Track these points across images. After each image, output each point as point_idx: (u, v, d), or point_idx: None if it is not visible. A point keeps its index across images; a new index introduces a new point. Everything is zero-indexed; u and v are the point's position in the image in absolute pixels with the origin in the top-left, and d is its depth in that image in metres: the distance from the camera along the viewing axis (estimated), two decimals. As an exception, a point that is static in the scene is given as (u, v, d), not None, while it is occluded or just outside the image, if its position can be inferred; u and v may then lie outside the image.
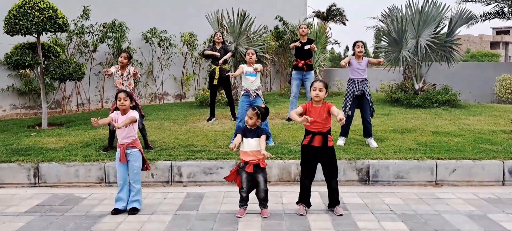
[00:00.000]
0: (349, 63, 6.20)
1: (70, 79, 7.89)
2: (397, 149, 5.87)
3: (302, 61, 7.80)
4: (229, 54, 7.97)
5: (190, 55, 12.87)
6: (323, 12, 19.02)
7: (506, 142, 6.17)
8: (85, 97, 11.05)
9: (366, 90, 6.14)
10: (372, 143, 6.09)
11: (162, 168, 5.38)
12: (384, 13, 10.03)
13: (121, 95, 4.26)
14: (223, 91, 9.09)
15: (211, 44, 8.44)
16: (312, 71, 7.92)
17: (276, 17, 15.34)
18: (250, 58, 6.10)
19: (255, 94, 6.11)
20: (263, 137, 4.06)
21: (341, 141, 6.24)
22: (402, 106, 9.52)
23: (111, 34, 10.79)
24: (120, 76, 6.04)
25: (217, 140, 6.49)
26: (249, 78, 6.10)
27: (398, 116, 8.39)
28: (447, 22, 9.79)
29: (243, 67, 6.15)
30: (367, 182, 5.33)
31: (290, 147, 6.02)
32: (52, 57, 8.02)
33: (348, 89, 6.23)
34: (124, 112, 4.27)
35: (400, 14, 9.56)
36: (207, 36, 12.69)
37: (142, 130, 6.12)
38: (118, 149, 4.24)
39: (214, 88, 8.16)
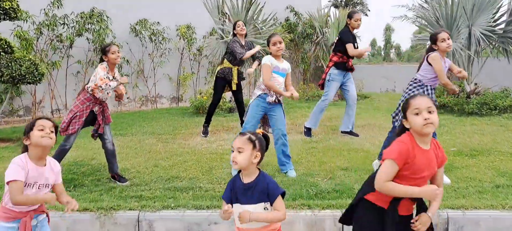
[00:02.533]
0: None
1: (22, 82, 6.02)
2: (478, 186, 3.94)
3: (351, 60, 5.80)
4: (256, 63, 5.84)
5: (187, 51, 10.95)
6: (341, 1, 16.92)
7: None
8: (61, 102, 9.21)
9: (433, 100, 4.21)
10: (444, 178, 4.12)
11: (124, 224, 3.48)
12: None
13: (45, 124, 2.38)
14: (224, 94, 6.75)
15: (233, 38, 6.07)
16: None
17: (287, 7, 13.37)
18: (279, 48, 4.23)
19: (277, 99, 4.28)
20: (278, 201, 2.18)
21: None
22: (452, 113, 7.53)
23: (90, 25, 8.92)
24: (112, 80, 4.20)
25: (213, 168, 4.59)
26: (277, 78, 4.27)
27: (454, 129, 6.40)
28: (506, 6, 7.74)
29: (271, 60, 4.25)
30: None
31: (318, 181, 4.11)
32: (1, 53, 6.16)
33: (410, 94, 4.25)
34: (43, 152, 2.40)
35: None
36: (207, 28, 10.78)
37: (110, 154, 4.26)
38: (12, 224, 2.33)
39: (222, 92, 6.07)
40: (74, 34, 8.87)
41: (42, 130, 2.36)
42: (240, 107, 6.00)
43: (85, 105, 4.14)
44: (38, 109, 8.97)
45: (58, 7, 8.44)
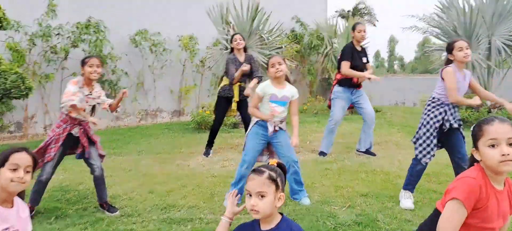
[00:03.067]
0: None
1: (8, 97, 5.54)
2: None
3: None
4: (255, 81, 5.34)
5: (190, 62, 10.47)
6: (348, 11, 16.47)
7: None
8: (55, 117, 8.71)
9: (457, 119, 3.69)
10: None
11: (109, 267, 2.94)
12: (442, 3, 7.49)
13: (21, 162, 1.89)
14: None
15: (229, 55, 5.67)
16: (362, 89, 5.47)
17: (293, 18, 12.94)
18: (277, 70, 3.59)
19: (278, 127, 3.69)
20: None
21: (407, 201, 3.75)
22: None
23: (86, 36, 8.46)
24: (86, 96, 3.68)
25: (215, 194, 4.06)
26: (276, 109, 3.66)
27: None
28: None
29: (266, 89, 3.66)
30: None
31: (336, 211, 3.57)
32: (-14, 66, 5.69)
33: (431, 116, 3.74)
34: (10, 196, 1.90)
35: (468, 4, 7.03)
36: (210, 39, 10.32)
37: (97, 180, 3.74)
38: None
39: (224, 111, 5.63)
40: (70, 45, 8.41)
41: (15, 169, 1.86)
42: (247, 126, 5.52)
43: (61, 128, 3.62)
44: (30, 125, 8.48)
45: (52, 17, 7.99)
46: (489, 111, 7.15)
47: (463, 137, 3.67)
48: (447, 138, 3.70)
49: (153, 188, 4.28)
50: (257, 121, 3.74)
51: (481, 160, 1.67)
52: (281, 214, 1.87)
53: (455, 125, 3.61)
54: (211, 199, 3.93)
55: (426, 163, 3.73)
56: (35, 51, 8.21)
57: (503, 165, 1.58)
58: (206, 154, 5.58)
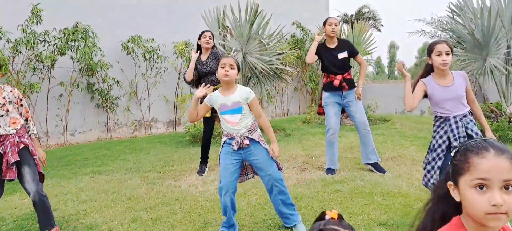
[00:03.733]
0: (425, 92, 3.22)
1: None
2: None
3: (339, 76, 4.78)
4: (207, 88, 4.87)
5: (185, 70, 9.91)
6: (351, 16, 15.92)
7: None
8: (41, 128, 8.15)
9: (473, 132, 3.10)
10: None
11: None
12: (455, 4, 6.93)
13: None
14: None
15: (196, 50, 5.26)
16: (354, 90, 4.88)
17: (293, 23, 12.43)
18: (225, 74, 3.02)
19: (247, 140, 3.06)
20: None
21: None
22: (492, 141, 6.39)
23: (74, 43, 7.92)
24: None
25: (209, 223, 3.48)
26: (229, 119, 3.09)
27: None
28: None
29: (213, 97, 3.14)
30: None
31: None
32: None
33: (436, 138, 3.22)
34: None
35: (485, 5, 6.46)
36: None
37: (35, 206, 3.11)
38: None
39: (210, 120, 5.17)
40: (56, 52, 7.87)
41: None
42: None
43: None
44: (15, 138, 7.90)
45: (37, 22, 7.45)
46: (510, 121, 6.58)
47: None
48: None
49: (137, 216, 3.69)
50: (225, 140, 3.16)
51: (461, 203, 1.13)
52: None
53: (455, 144, 3.03)
54: (203, 229, 3.36)
55: (433, 184, 3.17)
56: (19, 60, 7.67)
57: (491, 218, 1.05)
58: (200, 172, 5.02)
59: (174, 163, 5.61)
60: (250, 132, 3.08)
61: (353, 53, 4.84)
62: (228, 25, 7.47)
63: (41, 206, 3.08)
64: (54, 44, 7.87)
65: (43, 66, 7.94)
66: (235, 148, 3.04)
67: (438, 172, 3.17)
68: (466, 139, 3.05)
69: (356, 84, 4.89)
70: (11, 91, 3.07)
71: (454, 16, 7.07)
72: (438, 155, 3.20)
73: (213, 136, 7.12)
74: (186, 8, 9.94)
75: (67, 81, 8.28)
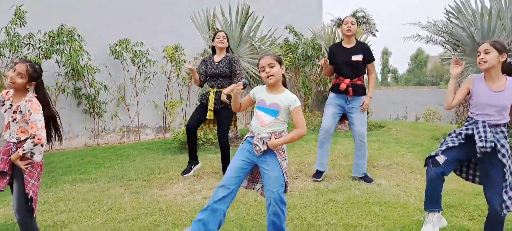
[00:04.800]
0: (468, 90, 3.02)
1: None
2: None
3: (347, 80, 4.60)
4: (233, 86, 4.61)
5: (175, 75, 9.69)
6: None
7: None
8: (25, 135, 7.83)
9: (499, 143, 2.81)
10: None
11: None
12: (453, 7, 6.78)
13: None
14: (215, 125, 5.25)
15: (207, 54, 5.18)
16: (364, 97, 4.69)
17: (286, 28, 12.24)
18: (268, 74, 2.83)
19: (264, 147, 2.82)
20: None
21: (428, 227, 2.95)
22: None
23: (59, 46, 7.65)
24: (9, 109, 2.87)
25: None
26: (260, 116, 2.88)
27: None
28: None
29: (255, 93, 2.98)
30: None
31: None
32: None
33: (459, 130, 3.03)
34: None
35: (486, 6, 6.29)
36: (198, 50, 9.57)
37: (19, 225, 2.90)
38: None
39: (197, 116, 4.91)
40: (41, 56, 7.58)
41: None
42: (221, 147, 4.84)
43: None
44: (0, 142, 7.60)
45: (21, 25, 7.17)
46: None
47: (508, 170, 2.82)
48: (482, 166, 2.92)
49: (117, 228, 3.43)
50: (247, 137, 2.96)
51: None
52: None
53: (479, 144, 2.80)
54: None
55: (436, 154, 2.92)
56: (2, 63, 7.38)
57: None
58: (185, 172, 4.82)
59: (160, 170, 5.34)
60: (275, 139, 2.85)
61: (368, 59, 4.68)
62: (218, 28, 7.25)
63: (23, 228, 2.89)
64: (39, 48, 7.58)
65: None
66: (260, 150, 2.83)
67: (441, 151, 2.93)
68: (494, 144, 2.81)
69: (365, 90, 4.72)
70: (26, 101, 2.84)
71: (452, 19, 6.90)
72: (452, 138, 2.96)
73: (202, 142, 6.91)
74: (176, 11, 9.72)
75: (52, 86, 7.99)
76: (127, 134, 9.32)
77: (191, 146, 4.94)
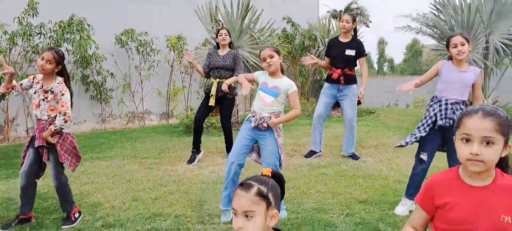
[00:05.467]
0: (438, 70, 3.62)
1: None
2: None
3: (339, 70, 5.14)
4: (234, 78, 4.96)
5: (178, 63, 10.18)
6: (340, 12, 16.32)
7: None
8: (37, 119, 8.34)
9: (449, 117, 3.49)
10: None
11: None
12: (438, 1, 7.31)
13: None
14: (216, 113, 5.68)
15: (212, 47, 5.68)
16: (354, 86, 5.24)
17: (284, 18, 12.72)
18: (269, 64, 3.33)
19: (266, 124, 3.34)
20: None
21: (402, 208, 3.55)
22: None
23: (69, 35, 8.12)
24: (39, 90, 3.34)
25: (204, 202, 3.78)
26: (263, 97, 3.40)
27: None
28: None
29: (258, 75, 3.50)
30: None
31: (333, 219, 3.33)
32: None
33: (426, 114, 3.62)
34: None
35: (465, 2, 6.84)
36: (199, 39, 10.05)
37: (57, 189, 3.45)
38: None
39: (204, 107, 5.40)
40: (52, 44, 8.05)
41: None
42: (225, 132, 5.34)
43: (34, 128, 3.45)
44: (12, 128, 8.10)
45: (33, 15, 7.63)
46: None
47: None
48: (446, 140, 3.52)
49: (137, 196, 3.98)
50: (249, 116, 3.49)
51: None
52: (277, 230, 1.61)
53: (439, 122, 3.41)
54: (199, 207, 3.66)
55: (406, 144, 3.50)
56: (16, 51, 7.85)
57: (470, 164, 1.36)
58: (191, 161, 5.25)
59: (169, 150, 5.89)
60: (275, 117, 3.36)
61: (360, 53, 5.19)
62: (220, 19, 7.74)
63: (60, 191, 3.44)
64: (50, 37, 8.05)
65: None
66: (253, 124, 3.34)
67: (413, 139, 3.51)
68: (452, 121, 3.41)
69: (356, 80, 5.27)
70: (57, 83, 3.34)
71: (436, 13, 7.43)
72: (424, 127, 3.54)
73: (206, 126, 7.44)
74: (179, 2, 10.18)
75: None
76: (132, 120, 9.84)
77: (197, 135, 5.38)
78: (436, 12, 7.50)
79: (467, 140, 1.38)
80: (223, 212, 3.44)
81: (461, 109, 3.44)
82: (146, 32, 9.48)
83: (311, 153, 5.37)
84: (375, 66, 56.91)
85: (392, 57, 61.98)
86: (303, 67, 12.37)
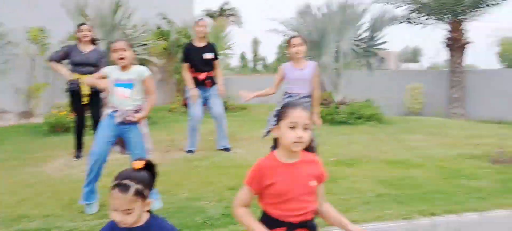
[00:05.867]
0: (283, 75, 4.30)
1: None
2: (362, 197, 3.95)
3: (204, 74, 5.44)
4: (95, 82, 4.83)
5: (40, 58, 9.36)
6: (214, 12, 16.78)
7: (484, 174, 4.74)
8: None
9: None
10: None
11: None
12: (299, 9, 8.29)
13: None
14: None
15: (71, 45, 5.39)
16: (216, 85, 5.62)
17: (158, 15, 12.63)
18: (121, 57, 3.37)
19: (131, 117, 3.44)
20: None
21: None
22: (324, 123, 7.84)
23: None
24: None
25: (75, 201, 3.72)
26: (118, 91, 3.45)
27: (330, 139, 6.61)
28: (368, 24, 8.48)
29: (111, 70, 3.51)
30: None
31: (205, 205, 3.65)
32: None
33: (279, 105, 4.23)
34: None
35: (320, 12, 7.89)
36: (64, 33, 9.40)
37: None
38: None
39: (81, 106, 5.18)
40: None
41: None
42: (96, 124, 5.27)
43: None
44: None
45: None
46: (337, 107, 8.14)
47: None
48: None
49: (-2, 200, 3.72)
50: (109, 112, 3.52)
51: (278, 138, 1.87)
52: (149, 212, 1.82)
53: None
54: (70, 206, 3.60)
55: (267, 133, 4.27)
56: None
57: (295, 145, 1.81)
58: (77, 156, 5.17)
59: (34, 151, 5.50)
60: (136, 111, 3.44)
61: (215, 56, 5.51)
62: (88, 14, 7.43)
63: None
64: None
65: None
66: (119, 120, 3.37)
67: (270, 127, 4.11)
68: None
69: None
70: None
71: (298, 19, 8.39)
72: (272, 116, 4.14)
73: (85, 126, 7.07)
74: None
75: None
76: (-16, 120, 8.74)
77: (80, 137, 5.27)
78: (299, 19, 8.46)
79: (293, 127, 1.79)
80: (88, 205, 3.47)
81: (308, 103, 4.11)
82: (1, 23, 8.52)
83: (191, 152, 5.53)
84: (251, 64, 59.62)
85: (265, 56, 65.72)
86: (179, 64, 12.45)
